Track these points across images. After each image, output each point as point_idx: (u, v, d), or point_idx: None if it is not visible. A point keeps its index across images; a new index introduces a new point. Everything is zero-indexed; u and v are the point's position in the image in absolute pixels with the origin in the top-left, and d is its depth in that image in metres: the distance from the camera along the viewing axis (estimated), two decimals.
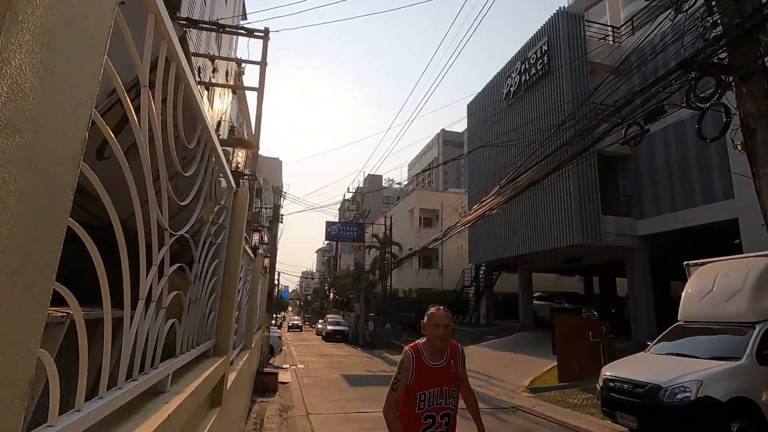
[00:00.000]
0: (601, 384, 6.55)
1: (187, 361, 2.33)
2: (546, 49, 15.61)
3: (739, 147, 5.41)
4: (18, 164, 0.58)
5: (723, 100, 5.44)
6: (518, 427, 6.86)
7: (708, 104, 5.47)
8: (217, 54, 13.49)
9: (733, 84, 5.36)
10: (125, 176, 1.12)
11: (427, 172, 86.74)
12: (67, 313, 1.44)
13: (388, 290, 26.37)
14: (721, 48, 5.30)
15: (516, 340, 17.25)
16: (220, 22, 10.47)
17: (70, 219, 0.76)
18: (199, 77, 11.50)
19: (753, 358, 5.65)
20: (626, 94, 9.00)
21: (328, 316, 34.92)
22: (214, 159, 2.76)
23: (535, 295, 20.69)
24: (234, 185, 3.49)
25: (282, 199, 21.93)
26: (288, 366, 14.41)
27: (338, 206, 48.80)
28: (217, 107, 13.86)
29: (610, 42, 16.18)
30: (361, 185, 31.75)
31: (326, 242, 72.54)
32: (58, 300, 0.86)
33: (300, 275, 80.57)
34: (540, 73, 15.84)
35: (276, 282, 34.16)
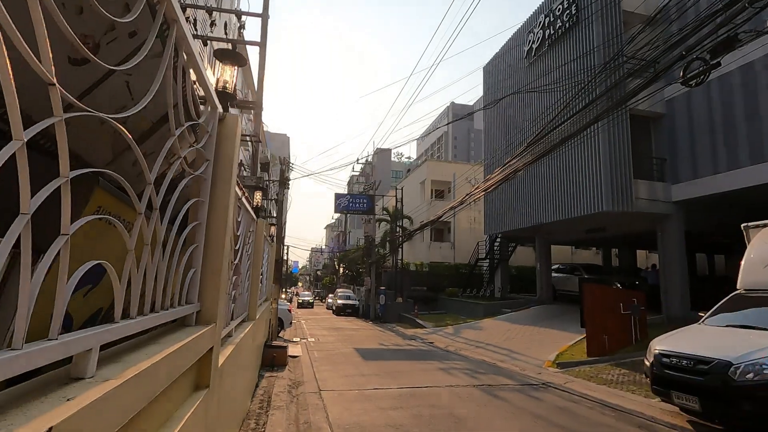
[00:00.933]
0: (651, 359, 5.75)
1: (134, 331, 1.54)
2: None
3: None
4: None
5: None
6: (554, 406, 6.15)
7: None
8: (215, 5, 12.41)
9: None
10: None
11: (436, 147, 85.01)
12: None
13: (399, 264, 25.74)
14: None
15: (535, 314, 16.54)
16: None
17: None
18: (195, 30, 10.53)
19: None
20: (665, 45, 7.89)
21: (338, 290, 34.64)
22: (185, 55, 1.92)
23: (552, 267, 19.86)
24: (219, 107, 2.65)
25: (290, 171, 21.13)
26: (298, 339, 13.91)
27: (347, 182, 47.85)
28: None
29: None
30: (370, 158, 30.62)
31: (335, 218, 72.07)
32: None
33: (310, 250, 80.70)
34: (566, 25, 14.47)
35: (285, 256, 33.78)
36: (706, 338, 5.68)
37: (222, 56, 4.65)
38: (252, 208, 5.38)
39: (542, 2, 16.49)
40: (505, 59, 18.97)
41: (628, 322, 10.69)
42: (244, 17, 10.22)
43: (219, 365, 2.88)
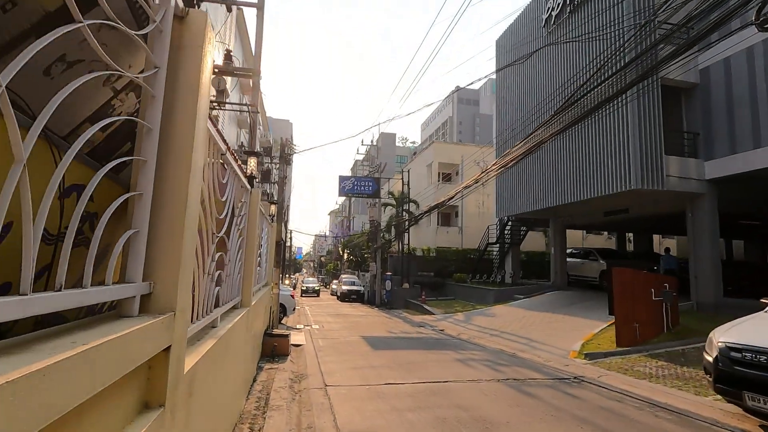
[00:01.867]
0: (715, 353, 4.88)
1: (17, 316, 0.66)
2: None
3: None
4: None
5: None
6: (596, 407, 5.32)
7: None
8: None
9: None
10: None
11: (441, 132, 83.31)
12: None
13: (405, 249, 24.89)
14: None
15: (550, 300, 15.72)
16: None
17: None
18: None
19: None
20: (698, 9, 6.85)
21: (343, 276, 33.96)
22: None
23: (566, 251, 18.98)
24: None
25: (291, 153, 20.16)
26: (302, 326, 13.17)
27: (350, 167, 46.74)
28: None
29: None
30: (375, 141, 29.47)
31: (338, 203, 71.04)
32: None
33: (314, 235, 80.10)
34: None
35: (288, 241, 33.02)
36: None
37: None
38: (244, 175, 4.48)
39: None
40: (520, 30, 17.76)
41: (660, 309, 9.84)
42: None
43: (186, 370, 2.03)
